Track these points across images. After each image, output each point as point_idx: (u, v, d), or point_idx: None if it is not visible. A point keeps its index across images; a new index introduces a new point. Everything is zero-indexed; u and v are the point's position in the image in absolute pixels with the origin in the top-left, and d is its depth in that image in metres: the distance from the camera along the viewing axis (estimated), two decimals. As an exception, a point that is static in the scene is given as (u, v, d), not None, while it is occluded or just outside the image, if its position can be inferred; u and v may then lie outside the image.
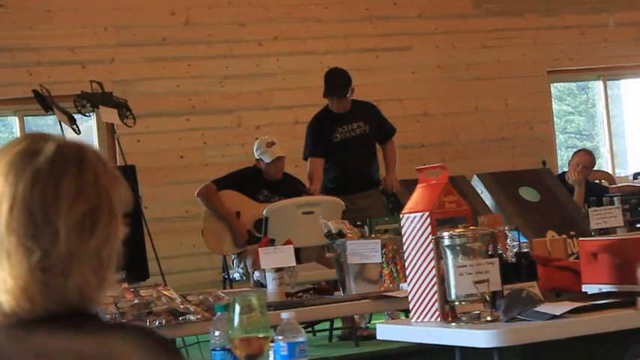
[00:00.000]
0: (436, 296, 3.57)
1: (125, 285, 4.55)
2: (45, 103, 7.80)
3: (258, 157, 7.40)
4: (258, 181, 7.37)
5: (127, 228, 1.68)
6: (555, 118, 10.67)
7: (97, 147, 8.94)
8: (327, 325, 7.00)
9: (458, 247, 3.49)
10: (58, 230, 1.56)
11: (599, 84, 10.90)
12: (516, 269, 3.68)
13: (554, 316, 3.41)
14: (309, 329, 6.87)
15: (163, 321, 4.29)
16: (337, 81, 7.60)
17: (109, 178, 1.64)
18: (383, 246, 4.95)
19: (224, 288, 7.13)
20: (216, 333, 2.51)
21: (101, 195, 1.61)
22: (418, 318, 3.65)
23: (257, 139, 7.64)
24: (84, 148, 1.64)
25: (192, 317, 4.34)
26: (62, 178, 1.58)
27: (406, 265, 3.71)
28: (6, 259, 1.56)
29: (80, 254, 1.57)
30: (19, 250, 1.55)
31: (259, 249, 5.10)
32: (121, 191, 1.66)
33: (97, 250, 1.59)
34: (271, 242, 5.34)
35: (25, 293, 1.56)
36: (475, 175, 8.33)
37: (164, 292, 4.53)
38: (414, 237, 3.65)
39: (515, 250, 3.75)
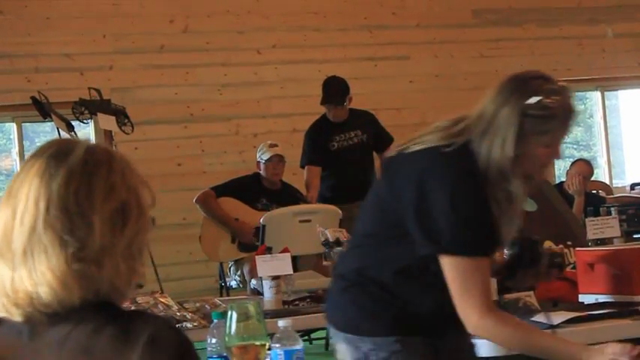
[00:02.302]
0: (433, 305, 3.57)
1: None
2: (43, 109, 7.81)
3: (258, 159, 7.42)
4: (257, 189, 7.37)
5: (153, 225, 1.80)
6: (553, 129, 10.67)
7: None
8: (323, 333, 7.00)
9: (455, 256, 3.48)
10: (93, 223, 1.67)
11: (597, 94, 10.91)
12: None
13: (551, 326, 3.41)
14: (306, 337, 6.87)
15: (160, 328, 4.28)
16: (335, 89, 7.62)
17: (135, 179, 1.75)
18: (380, 255, 4.94)
19: (221, 296, 7.13)
20: (213, 340, 2.51)
21: (130, 192, 1.72)
22: (415, 327, 3.64)
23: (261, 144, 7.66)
24: (111, 151, 1.77)
25: (188, 325, 4.33)
26: (94, 176, 1.70)
27: (403, 273, 3.70)
28: (44, 254, 1.66)
29: (113, 247, 1.68)
30: (55, 244, 1.66)
31: (256, 257, 5.10)
32: (147, 191, 1.77)
33: (129, 244, 1.70)
34: (268, 250, 5.34)
35: (62, 284, 1.65)
36: (472, 185, 8.33)
37: (161, 299, 4.52)
38: (411, 246, 3.65)
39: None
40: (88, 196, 1.68)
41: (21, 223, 1.68)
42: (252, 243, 7.04)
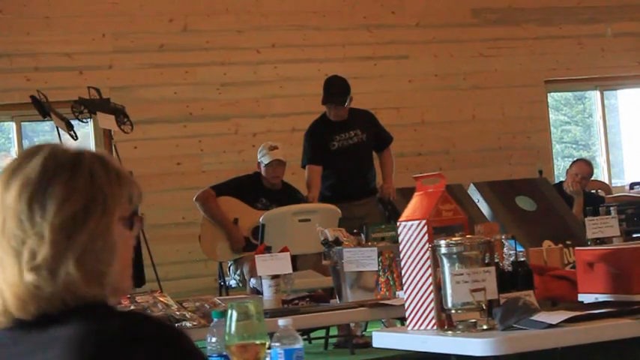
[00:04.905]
0: (432, 304, 3.57)
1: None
2: (42, 108, 7.81)
3: (259, 160, 7.42)
4: (258, 189, 7.37)
5: (141, 223, 1.76)
6: (552, 128, 10.69)
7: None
8: (322, 332, 7.00)
9: (454, 256, 3.49)
10: (43, 232, 1.62)
11: (596, 94, 10.92)
12: (513, 278, 3.69)
13: (551, 325, 3.42)
14: (305, 337, 6.87)
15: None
16: (336, 89, 7.61)
17: (109, 177, 1.70)
18: (379, 254, 4.95)
19: (220, 295, 7.13)
20: (213, 339, 2.51)
21: (96, 193, 1.67)
22: (414, 326, 3.65)
23: (262, 144, 7.65)
24: (81, 151, 1.71)
25: (188, 324, 4.34)
26: (52, 182, 1.65)
27: (403, 273, 3.71)
28: (1, 267, 1.64)
29: (67, 252, 1.63)
30: (9, 255, 1.63)
31: (256, 256, 5.10)
32: (124, 188, 1.72)
33: (88, 246, 1.64)
34: (268, 249, 5.34)
35: (15, 295, 1.62)
36: (472, 184, 8.32)
37: (160, 298, 4.53)
38: (410, 245, 3.65)
39: (511, 259, 3.75)
40: (42, 204, 1.64)
41: None
42: (241, 251, 7.08)
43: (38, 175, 1.66)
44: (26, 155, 1.70)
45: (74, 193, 1.65)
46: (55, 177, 1.66)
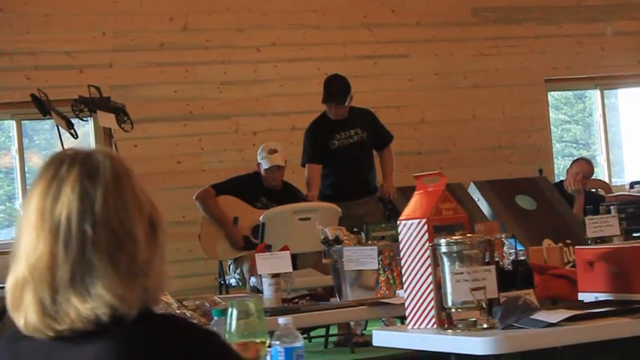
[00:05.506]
0: (432, 303, 3.57)
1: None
2: (43, 107, 7.81)
3: (259, 162, 7.42)
4: (258, 188, 7.37)
5: None
6: (552, 127, 10.69)
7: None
8: (323, 331, 7.01)
9: (455, 254, 3.49)
10: (138, 237, 1.68)
11: (597, 93, 10.91)
12: (513, 277, 3.69)
13: (551, 324, 3.42)
14: (305, 335, 6.87)
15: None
16: (337, 88, 7.61)
17: (140, 180, 1.76)
18: (379, 253, 4.96)
19: (220, 293, 7.14)
20: (213, 338, 2.51)
21: (149, 202, 1.75)
22: (414, 325, 3.65)
23: (263, 144, 7.64)
24: (121, 159, 1.77)
25: (188, 322, 4.33)
26: (123, 191, 1.71)
27: (403, 271, 3.71)
28: (97, 276, 1.65)
29: (153, 257, 1.71)
30: (106, 262, 1.66)
31: (256, 255, 5.10)
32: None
33: (162, 251, 1.74)
34: (268, 248, 5.35)
35: (121, 300, 1.65)
36: (472, 183, 8.33)
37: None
38: (410, 244, 3.65)
39: (511, 258, 3.75)
40: (126, 210, 1.69)
41: (65, 247, 1.66)
42: (240, 250, 7.09)
43: (114, 184, 1.70)
44: (86, 161, 1.72)
45: (140, 201, 1.72)
46: (123, 186, 1.71)
